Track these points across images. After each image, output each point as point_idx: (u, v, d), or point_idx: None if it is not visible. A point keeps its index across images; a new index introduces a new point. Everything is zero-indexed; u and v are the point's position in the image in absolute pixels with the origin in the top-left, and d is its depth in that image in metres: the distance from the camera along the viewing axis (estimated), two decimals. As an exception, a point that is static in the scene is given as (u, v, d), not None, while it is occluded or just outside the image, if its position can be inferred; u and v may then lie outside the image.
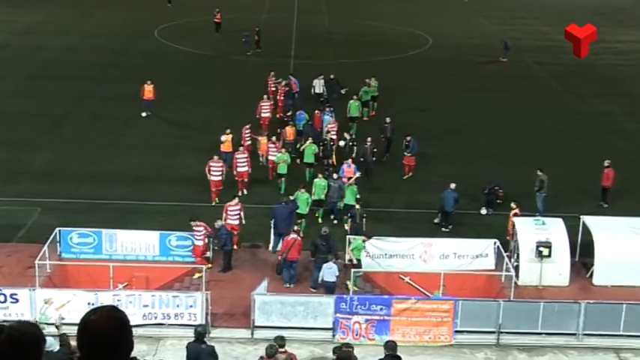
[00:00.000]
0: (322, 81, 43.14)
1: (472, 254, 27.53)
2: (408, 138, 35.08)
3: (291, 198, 28.97)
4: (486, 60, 56.13)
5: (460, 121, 43.20)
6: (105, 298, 23.72)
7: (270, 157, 34.05)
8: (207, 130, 40.22)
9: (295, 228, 26.96)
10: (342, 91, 42.91)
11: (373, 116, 41.62)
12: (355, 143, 34.98)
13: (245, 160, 32.43)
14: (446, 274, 26.02)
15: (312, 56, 54.81)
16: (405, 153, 35.10)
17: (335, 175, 30.80)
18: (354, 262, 26.45)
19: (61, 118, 41.77)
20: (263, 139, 35.20)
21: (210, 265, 26.62)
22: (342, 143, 35.11)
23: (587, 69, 53.10)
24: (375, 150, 34.31)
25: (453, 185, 30.76)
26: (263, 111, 38.84)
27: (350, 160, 32.22)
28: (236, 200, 28.26)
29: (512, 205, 28.89)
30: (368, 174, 33.77)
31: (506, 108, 45.61)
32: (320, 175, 30.80)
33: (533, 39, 63.25)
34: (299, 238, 26.53)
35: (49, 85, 47.10)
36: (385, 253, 27.37)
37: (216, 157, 31.71)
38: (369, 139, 34.48)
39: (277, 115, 40.14)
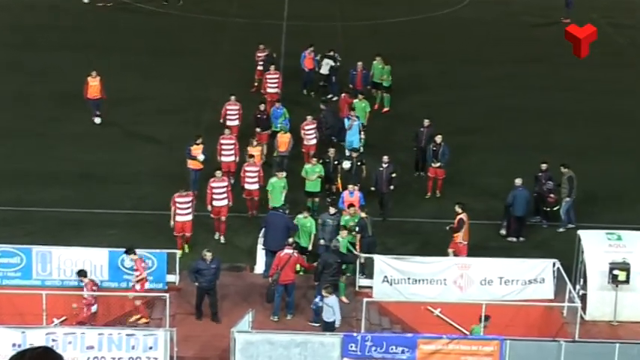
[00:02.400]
0: (330, 60, 41.74)
1: (524, 279, 27.52)
2: (438, 139, 33.35)
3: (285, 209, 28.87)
4: (542, 21, 56.11)
5: (507, 101, 43.13)
6: (35, 338, 23.63)
7: (246, 186, 31.49)
8: (171, 115, 40.18)
9: (290, 240, 26.83)
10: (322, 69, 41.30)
11: (383, 113, 41.10)
12: (364, 162, 32.30)
13: (224, 190, 30.03)
14: (489, 306, 26.01)
15: (309, 16, 54.83)
16: (432, 163, 33.37)
17: (332, 210, 28.45)
18: None
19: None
20: (255, 150, 32.65)
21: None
22: (346, 165, 32.08)
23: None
24: (394, 175, 31.74)
25: (519, 181, 30.77)
26: (229, 116, 35.95)
27: (355, 187, 29.85)
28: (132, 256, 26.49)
29: (457, 208, 28.75)
30: (382, 207, 31.66)
31: (570, 85, 45.56)
32: (305, 213, 28.39)
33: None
34: (296, 254, 26.49)
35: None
36: (408, 278, 27.35)
37: (182, 193, 29.11)
38: (385, 158, 31.89)
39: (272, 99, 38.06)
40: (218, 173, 30.43)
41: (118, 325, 25.82)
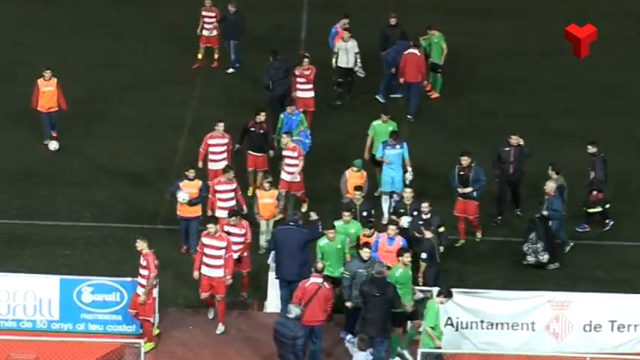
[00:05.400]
0: (355, 43, 39.83)
1: (645, 324, 27.80)
2: (465, 161, 31.55)
3: (313, 216, 28.68)
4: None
5: (620, 76, 43.69)
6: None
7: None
8: (144, 90, 40.55)
9: (319, 266, 26.53)
10: (358, 69, 40.38)
11: (434, 98, 41.58)
12: (429, 214, 30.04)
13: (221, 253, 27.60)
14: (596, 360, 26.29)
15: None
16: (460, 191, 31.82)
17: (365, 253, 27.35)
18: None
19: None
20: (268, 196, 30.74)
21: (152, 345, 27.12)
22: (405, 222, 30.32)
23: None
24: (442, 230, 29.94)
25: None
26: (212, 155, 32.89)
27: (395, 230, 28.59)
28: None
29: (366, 231, 28.47)
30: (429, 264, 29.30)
31: None
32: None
33: None
34: (327, 284, 26.48)
35: None
36: (481, 321, 27.53)
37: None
38: (424, 205, 29.90)
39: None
40: (211, 228, 27.90)
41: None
